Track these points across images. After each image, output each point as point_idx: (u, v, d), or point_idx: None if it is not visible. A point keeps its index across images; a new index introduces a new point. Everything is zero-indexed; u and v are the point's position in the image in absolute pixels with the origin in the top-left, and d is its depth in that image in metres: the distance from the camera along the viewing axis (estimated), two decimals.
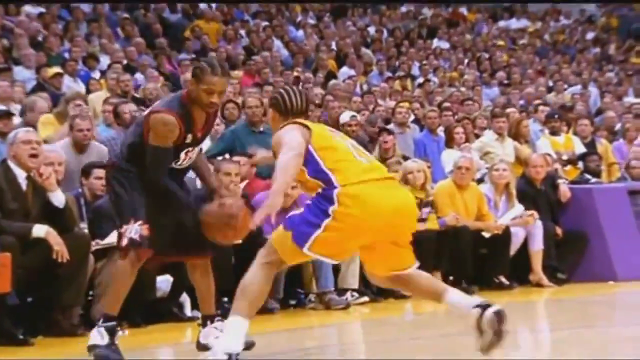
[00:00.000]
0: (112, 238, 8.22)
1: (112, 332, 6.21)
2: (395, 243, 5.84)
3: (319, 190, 5.65)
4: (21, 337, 6.98)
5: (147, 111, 6.55)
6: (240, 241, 6.83)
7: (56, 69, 14.50)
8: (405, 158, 11.93)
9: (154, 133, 6.11)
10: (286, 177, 5.49)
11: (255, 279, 5.59)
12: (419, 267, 10.24)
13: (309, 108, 6.29)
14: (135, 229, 6.08)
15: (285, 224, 5.66)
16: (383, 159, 11.28)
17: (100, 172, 8.28)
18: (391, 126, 13.55)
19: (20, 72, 14.35)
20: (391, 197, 5.74)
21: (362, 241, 5.76)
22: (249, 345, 6.00)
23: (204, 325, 6.48)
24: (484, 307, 5.83)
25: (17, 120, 10.37)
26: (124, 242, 6.14)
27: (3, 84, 12.09)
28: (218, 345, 5.48)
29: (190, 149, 6.29)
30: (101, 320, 6.27)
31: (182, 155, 6.28)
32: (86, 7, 18.61)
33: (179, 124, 6.07)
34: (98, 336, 6.20)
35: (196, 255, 6.47)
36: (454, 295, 5.98)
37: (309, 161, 5.73)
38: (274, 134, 5.91)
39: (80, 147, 9.60)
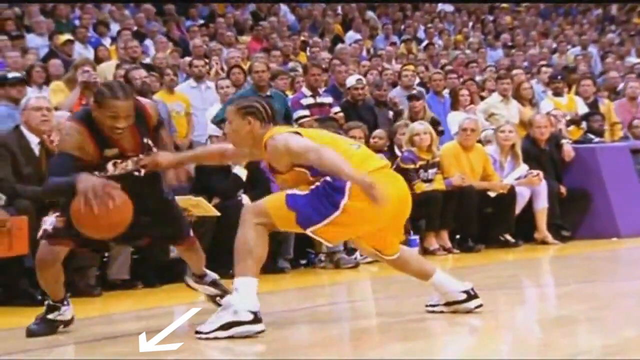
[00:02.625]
0: None
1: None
2: (391, 230, 5.91)
3: (327, 177, 5.55)
4: (39, 297, 7.03)
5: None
6: None
7: (67, 36, 14.50)
8: (435, 120, 11.97)
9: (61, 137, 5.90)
10: (344, 162, 5.44)
11: (254, 239, 5.51)
12: (427, 226, 10.43)
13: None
14: (50, 221, 5.84)
15: (287, 202, 5.56)
16: (414, 122, 11.35)
17: None
18: (397, 89, 13.56)
19: (33, 40, 14.36)
20: (395, 187, 5.77)
21: (366, 230, 5.78)
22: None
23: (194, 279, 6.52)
24: (471, 296, 6.08)
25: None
26: (39, 233, 5.97)
27: (13, 54, 12.12)
28: (238, 305, 5.41)
29: (117, 161, 5.81)
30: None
31: (110, 166, 5.80)
32: None
33: (80, 129, 5.69)
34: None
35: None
36: (441, 276, 6.11)
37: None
38: (250, 141, 5.78)
39: None
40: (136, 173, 5.91)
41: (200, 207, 8.63)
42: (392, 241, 6.01)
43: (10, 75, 10.30)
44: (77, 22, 16.00)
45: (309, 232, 5.60)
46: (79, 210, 5.38)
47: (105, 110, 5.57)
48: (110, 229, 5.53)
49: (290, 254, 9.40)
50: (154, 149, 5.97)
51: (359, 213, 5.52)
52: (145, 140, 5.87)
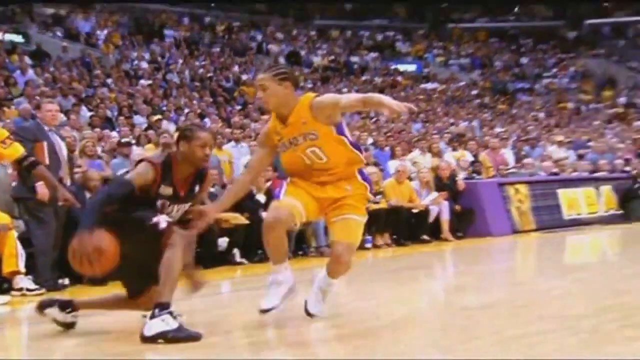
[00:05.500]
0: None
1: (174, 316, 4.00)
2: None
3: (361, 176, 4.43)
4: None
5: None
6: None
7: (158, 116, 14.45)
8: (377, 164, 11.93)
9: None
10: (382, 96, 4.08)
11: None
12: (375, 230, 10.31)
13: None
14: (163, 218, 4.22)
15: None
16: (367, 166, 11.24)
17: None
18: None
19: (137, 119, 14.31)
20: None
21: None
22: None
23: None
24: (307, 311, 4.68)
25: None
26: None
27: (125, 128, 12.10)
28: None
29: (166, 202, 4.27)
30: (159, 310, 3.93)
31: (158, 204, 4.25)
32: (176, 79, 18.59)
33: (155, 169, 4.22)
34: (162, 323, 3.90)
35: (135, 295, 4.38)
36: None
37: (346, 134, 4.34)
38: (289, 104, 4.24)
39: None
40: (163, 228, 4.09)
41: (237, 219, 8.56)
42: None
43: (123, 140, 10.24)
44: (164, 108, 15.96)
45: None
46: (72, 256, 3.95)
47: (195, 141, 4.27)
48: (97, 271, 4.04)
49: (292, 247, 9.25)
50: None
51: None
52: (196, 187, 4.40)
